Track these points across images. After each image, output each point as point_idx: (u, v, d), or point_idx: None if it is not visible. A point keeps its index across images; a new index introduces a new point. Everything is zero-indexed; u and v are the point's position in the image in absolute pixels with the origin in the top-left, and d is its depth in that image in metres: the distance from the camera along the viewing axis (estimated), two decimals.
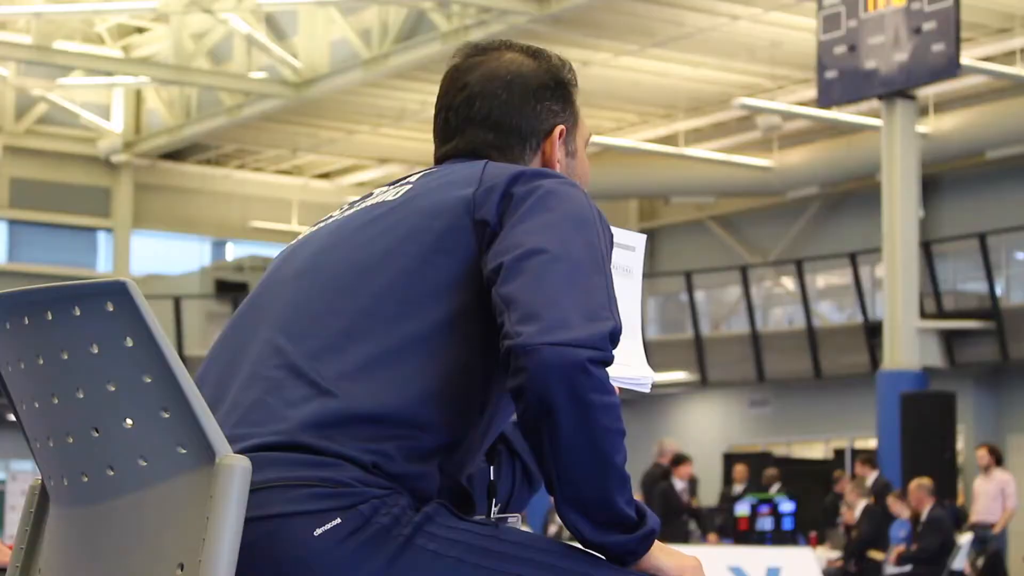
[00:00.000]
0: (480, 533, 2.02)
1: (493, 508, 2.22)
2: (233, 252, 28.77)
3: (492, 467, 2.27)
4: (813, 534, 16.04)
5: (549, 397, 1.95)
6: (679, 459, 15.53)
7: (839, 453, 21.77)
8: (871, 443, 19.22)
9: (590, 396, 1.96)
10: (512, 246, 2.05)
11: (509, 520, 2.11)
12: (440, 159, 2.33)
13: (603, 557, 2.05)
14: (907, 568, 12.81)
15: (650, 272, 23.88)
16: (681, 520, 15.18)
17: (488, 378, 2.09)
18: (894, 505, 13.58)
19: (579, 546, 2.05)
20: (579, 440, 1.97)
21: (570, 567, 2.02)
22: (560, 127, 2.33)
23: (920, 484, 13.20)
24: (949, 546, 12.71)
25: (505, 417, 2.18)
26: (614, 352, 2.01)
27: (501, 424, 2.19)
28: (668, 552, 2.07)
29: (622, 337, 2.06)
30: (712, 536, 15.82)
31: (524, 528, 2.12)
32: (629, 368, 2.31)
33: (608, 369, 2.00)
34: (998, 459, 15.02)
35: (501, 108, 2.29)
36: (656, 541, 2.06)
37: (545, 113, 2.32)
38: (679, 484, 15.32)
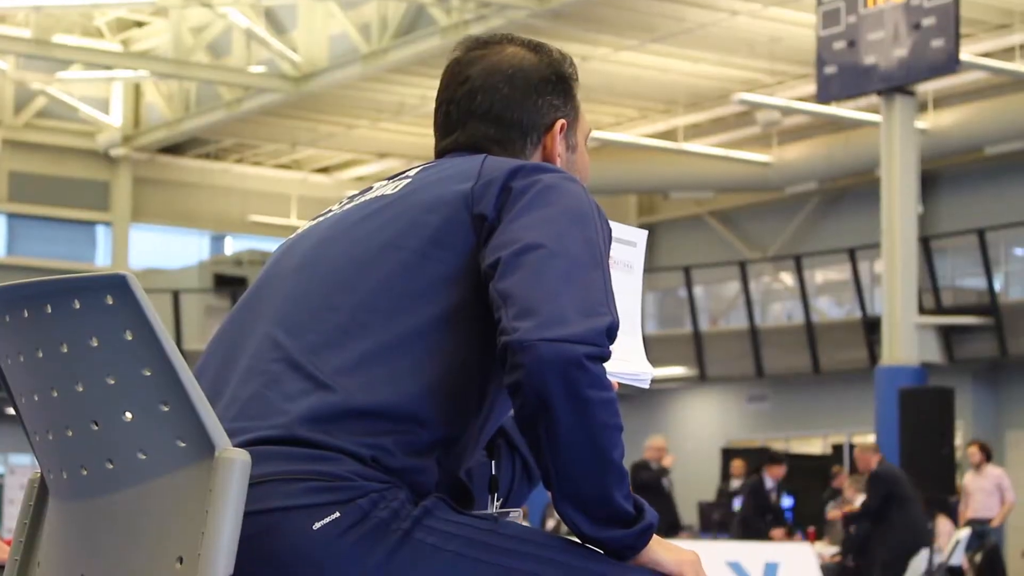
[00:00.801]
0: (479, 527, 2.01)
1: (495, 502, 2.21)
2: (232, 246, 28.77)
3: (493, 461, 2.26)
4: (811, 529, 16.03)
5: (546, 393, 1.95)
6: (775, 458, 15.74)
7: (837, 448, 21.76)
8: (869, 439, 19.19)
9: (587, 392, 1.96)
10: (510, 241, 2.05)
11: (511, 515, 2.10)
12: (440, 153, 2.33)
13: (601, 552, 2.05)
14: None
15: (649, 267, 23.84)
16: (765, 519, 15.20)
17: (486, 373, 2.09)
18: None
19: (578, 541, 2.05)
20: (576, 436, 1.97)
21: (569, 561, 2.02)
22: (561, 121, 2.32)
23: (864, 447, 13.37)
24: (899, 501, 12.53)
25: (503, 412, 2.18)
26: (612, 348, 2.01)
27: (499, 419, 2.19)
28: (666, 547, 2.07)
29: (622, 333, 2.05)
30: (781, 534, 15.44)
31: (524, 523, 2.12)
32: (628, 364, 2.30)
33: (607, 365, 2.00)
34: (988, 455, 15.02)
35: (502, 102, 2.29)
36: (655, 535, 2.05)
37: (546, 107, 2.31)
38: (769, 483, 15.36)
